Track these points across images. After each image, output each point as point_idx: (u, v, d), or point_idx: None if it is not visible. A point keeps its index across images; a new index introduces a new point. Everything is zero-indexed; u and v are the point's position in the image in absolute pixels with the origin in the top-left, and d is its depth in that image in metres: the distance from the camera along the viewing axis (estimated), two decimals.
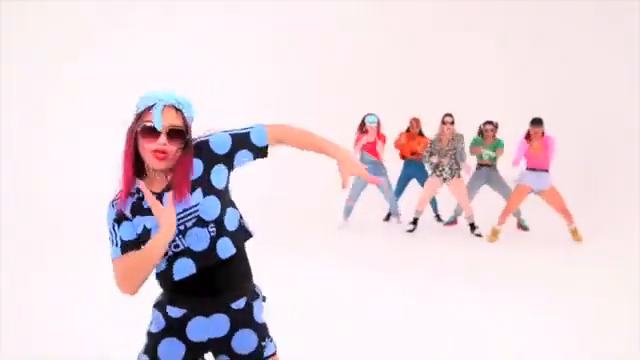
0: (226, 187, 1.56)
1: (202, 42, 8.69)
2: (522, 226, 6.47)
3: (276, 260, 4.71)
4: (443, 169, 6.17)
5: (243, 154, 1.56)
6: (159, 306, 1.57)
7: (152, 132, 1.42)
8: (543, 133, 5.72)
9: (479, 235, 6.09)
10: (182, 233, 1.47)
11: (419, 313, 3.66)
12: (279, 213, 7.13)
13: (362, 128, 6.36)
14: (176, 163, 1.47)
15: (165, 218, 1.42)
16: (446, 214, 7.02)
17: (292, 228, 6.43)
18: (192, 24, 8.67)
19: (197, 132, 1.56)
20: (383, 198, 6.87)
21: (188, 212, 1.46)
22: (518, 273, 4.70)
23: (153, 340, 1.55)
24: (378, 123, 6.33)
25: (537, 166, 5.74)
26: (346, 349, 3.07)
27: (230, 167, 1.56)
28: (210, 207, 1.48)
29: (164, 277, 1.53)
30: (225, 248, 1.50)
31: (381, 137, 6.39)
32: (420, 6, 9.40)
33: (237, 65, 8.85)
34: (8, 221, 6.14)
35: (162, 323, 1.55)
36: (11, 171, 7.16)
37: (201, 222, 1.47)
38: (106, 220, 1.52)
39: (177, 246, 1.47)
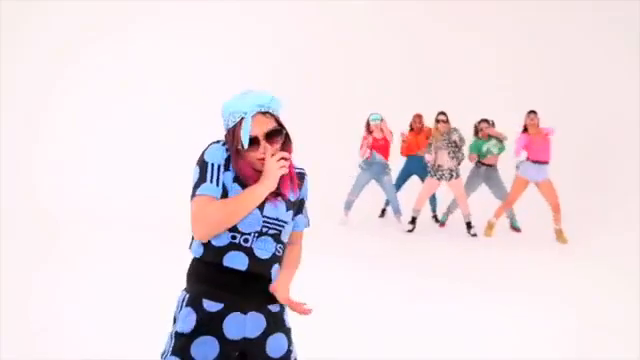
0: None
1: (203, 42, 8.69)
2: (514, 227, 6.47)
3: None
4: (443, 173, 6.19)
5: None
6: (191, 302, 1.49)
7: (251, 144, 1.46)
8: (538, 124, 5.78)
9: (474, 235, 6.11)
10: (259, 234, 1.51)
11: (417, 313, 3.66)
12: None
13: (368, 128, 6.41)
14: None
15: (273, 171, 1.47)
16: (441, 215, 7.01)
17: None
18: (193, 24, 8.67)
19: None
20: (384, 196, 6.87)
21: (277, 222, 1.53)
22: (517, 273, 4.70)
23: (184, 340, 1.47)
24: (382, 120, 6.37)
25: (539, 159, 5.79)
26: (343, 348, 3.07)
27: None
28: (289, 230, 1.61)
29: (212, 255, 1.48)
30: (275, 272, 1.57)
31: (388, 134, 6.41)
32: (420, 6, 9.40)
33: (237, 65, 8.84)
34: (8, 221, 6.14)
35: (193, 321, 1.47)
36: (11, 171, 7.16)
37: (277, 238, 1.55)
38: (206, 154, 1.49)
39: (247, 240, 1.49)
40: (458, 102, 8.12)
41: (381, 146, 6.37)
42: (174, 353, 1.47)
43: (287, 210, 1.56)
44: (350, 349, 3.06)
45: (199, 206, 1.44)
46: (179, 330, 1.48)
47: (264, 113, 1.48)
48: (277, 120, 1.52)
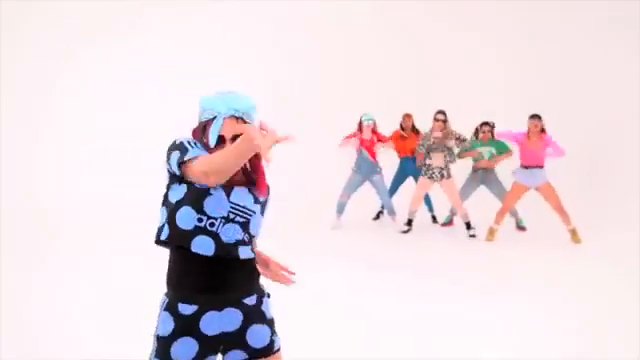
0: None
1: (203, 43, 8.68)
2: (520, 226, 6.46)
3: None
4: (433, 171, 6.19)
5: None
6: (168, 307, 1.56)
7: (218, 143, 1.51)
8: (543, 130, 5.75)
9: (473, 236, 6.08)
10: (226, 220, 1.52)
11: (415, 313, 3.65)
12: (274, 212, 7.10)
13: (360, 127, 6.44)
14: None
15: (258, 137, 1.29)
16: (442, 214, 7.00)
17: (286, 228, 6.40)
18: (193, 24, 8.67)
19: None
20: (377, 197, 6.85)
21: (245, 211, 1.55)
22: (516, 273, 4.70)
23: (164, 343, 1.54)
24: (374, 123, 6.41)
25: (531, 164, 5.76)
26: (340, 348, 3.07)
27: None
28: (257, 223, 1.61)
29: (179, 239, 1.49)
30: (245, 251, 1.56)
31: (379, 136, 6.45)
32: (420, 6, 9.40)
33: (236, 65, 8.83)
34: (8, 221, 6.14)
35: (171, 325, 1.53)
36: (11, 171, 7.15)
37: (244, 226, 1.56)
38: (177, 140, 1.54)
39: (213, 225, 1.50)
40: (458, 102, 8.11)
41: (368, 147, 6.43)
42: (156, 356, 1.55)
43: (255, 202, 1.58)
44: (346, 349, 3.06)
45: (199, 162, 1.43)
46: (159, 333, 1.56)
47: (237, 118, 1.51)
48: None
